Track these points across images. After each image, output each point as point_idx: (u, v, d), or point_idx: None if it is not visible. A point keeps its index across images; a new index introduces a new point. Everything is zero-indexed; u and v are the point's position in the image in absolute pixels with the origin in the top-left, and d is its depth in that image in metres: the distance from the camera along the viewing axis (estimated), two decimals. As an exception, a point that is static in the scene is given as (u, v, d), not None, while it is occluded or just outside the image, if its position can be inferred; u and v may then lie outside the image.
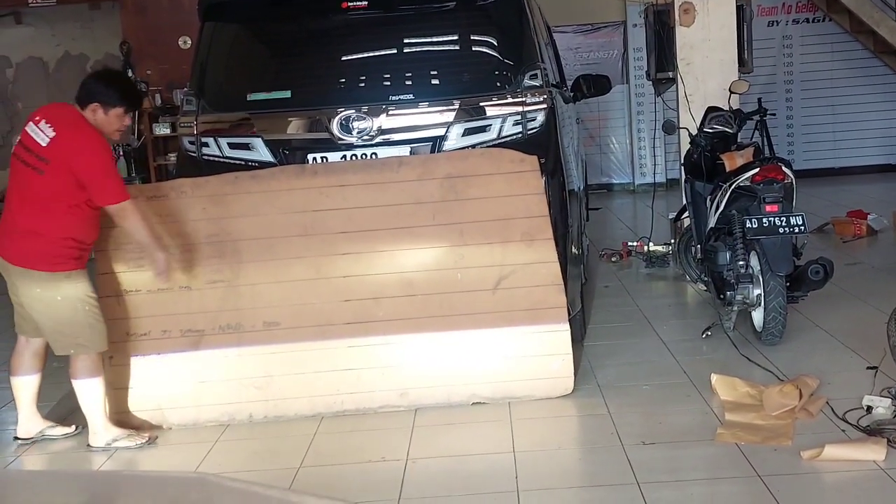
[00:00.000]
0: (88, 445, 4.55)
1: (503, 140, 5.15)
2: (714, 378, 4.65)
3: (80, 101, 4.50)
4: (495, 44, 5.55)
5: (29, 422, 4.69)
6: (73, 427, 4.76)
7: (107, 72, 4.89)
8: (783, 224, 5.15)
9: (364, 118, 5.19)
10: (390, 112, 5.23)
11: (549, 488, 3.84)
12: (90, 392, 4.53)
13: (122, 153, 11.04)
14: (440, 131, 5.19)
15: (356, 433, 4.58)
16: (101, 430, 4.54)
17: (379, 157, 5.17)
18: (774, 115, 7.63)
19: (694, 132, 6.45)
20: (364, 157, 5.20)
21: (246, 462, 4.41)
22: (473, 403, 4.75)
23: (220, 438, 4.62)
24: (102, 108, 4.47)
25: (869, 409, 4.20)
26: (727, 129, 6.16)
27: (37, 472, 4.13)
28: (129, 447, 4.52)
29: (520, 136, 5.18)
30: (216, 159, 5.29)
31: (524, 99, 5.22)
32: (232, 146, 5.31)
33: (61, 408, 5.06)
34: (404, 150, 5.20)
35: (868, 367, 4.75)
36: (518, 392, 4.75)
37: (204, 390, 4.79)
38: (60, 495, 1.85)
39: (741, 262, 5.32)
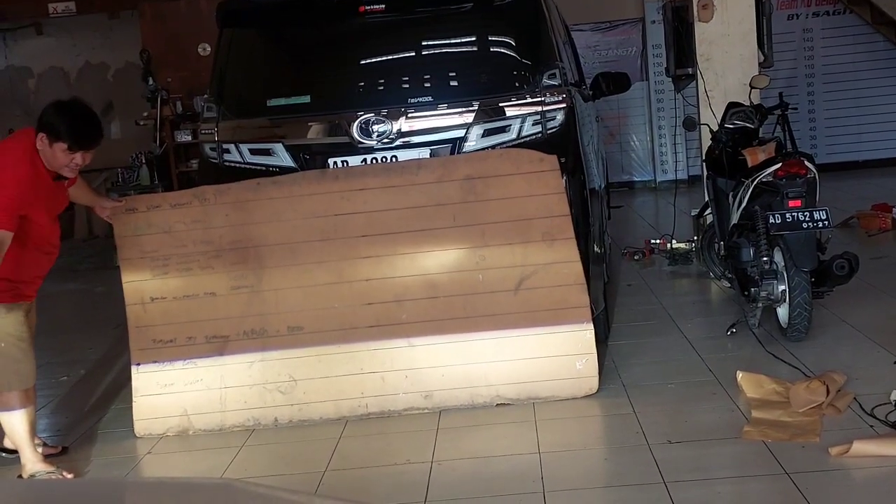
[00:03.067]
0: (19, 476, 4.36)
1: (523, 140, 5.14)
2: (740, 375, 4.63)
3: (37, 128, 4.23)
4: (513, 44, 5.55)
5: None
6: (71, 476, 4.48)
7: (69, 102, 4.31)
8: (807, 219, 5.11)
9: (383, 121, 5.20)
10: (409, 115, 5.23)
11: (575, 489, 3.83)
12: (15, 424, 4.35)
13: (144, 161, 11.13)
14: (460, 133, 5.19)
15: (381, 436, 4.59)
16: (27, 462, 4.36)
17: (399, 160, 5.18)
18: (796, 109, 7.58)
19: (715, 128, 6.42)
20: (384, 160, 5.20)
21: (271, 466, 4.43)
22: (498, 405, 4.75)
23: (245, 443, 4.65)
24: (48, 139, 4.17)
25: (897, 404, 4.17)
26: (748, 125, 6.13)
27: (61, 481, 4.14)
28: None
29: (539, 135, 5.16)
30: (238, 165, 5.31)
31: (543, 98, 5.21)
32: (253, 152, 5.32)
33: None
34: (424, 153, 5.20)
35: (895, 362, 4.71)
36: (542, 393, 4.74)
37: (229, 395, 4.82)
38: (85, 503, 1.86)
39: (765, 259, 5.28)
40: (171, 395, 4.83)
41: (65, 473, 4.36)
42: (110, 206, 4.94)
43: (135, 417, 4.85)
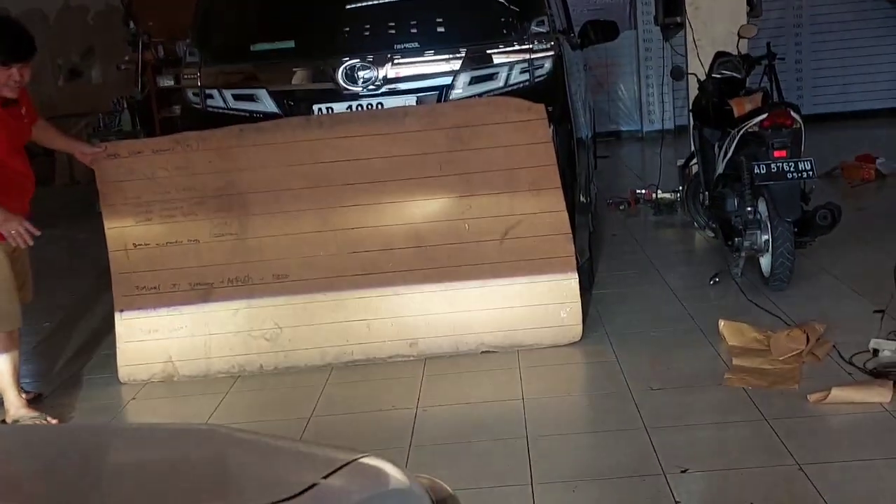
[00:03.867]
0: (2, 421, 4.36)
1: (510, 88, 5.11)
2: (722, 324, 4.67)
3: None
4: (501, -10, 5.49)
5: None
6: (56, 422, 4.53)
7: None
8: (791, 169, 5.12)
9: (369, 67, 5.15)
10: (396, 61, 5.19)
11: (559, 434, 3.87)
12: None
13: (126, 106, 11.01)
14: (447, 80, 5.15)
15: (366, 383, 4.61)
16: (11, 407, 4.38)
17: (385, 107, 5.14)
18: (783, 59, 7.53)
19: (702, 78, 6.39)
20: (370, 107, 5.17)
21: (257, 413, 4.46)
22: (482, 352, 4.78)
23: (230, 390, 4.67)
24: None
25: (875, 352, 4.22)
26: (735, 75, 6.10)
27: (46, 427, 4.15)
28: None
29: (527, 84, 5.13)
30: (221, 111, 5.27)
31: (531, 46, 5.17)
32: (236, 98, 5.28)
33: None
34: (410, 100, 5.16)
35: (875, 311, 4.75)
36: (526, 340, 4.77)
37: (214, 342, 4.83)
38: (70, 447, 1.87)
39: (749, 209, 5.30)
40: (155, 341, 4.84)
41: (49, 419, 4.37)
42: (90, 151, 4.90)
43: (119, 364, 4.85)
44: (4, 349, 4.36)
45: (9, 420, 4.34)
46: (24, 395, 4.53)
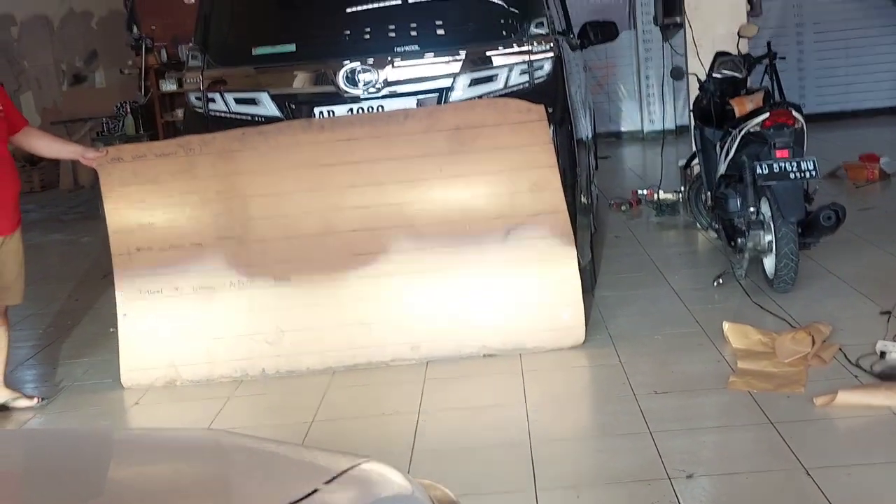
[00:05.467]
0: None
1: (510, 90, 5.10)
2: (726, 326, 4.65)
3: None
4: (501, -8, 5.48)
5: None
6: (36, 399, 4.70)
7: None
8: (794, 169, 5.10)
9: (370, 70, 5.14)
10: (396, 63, 5.18)
11: (562, 439, 3.85)
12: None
13: (129, 110, 11.03)
14: (447, 82, 5.14)
15: (368, 387, 4.60)
16: None
17: (385, 109, 5.13)
18: (784, 58, 7.51)
19: (703, 78, 6.38)
20: (371, 109, 5.16)
21: (259, 417, 4.45)
22: (484, 356, 4.77)
23: (233, 394, 4.66)
24: None
25: (882, 354, 4.19)
26: (736, 74, 6.09)
27: (45, 429, 4.16)
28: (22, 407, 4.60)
29: (527, 85, 5.12)
30: (223, 115, 5.26)
31: (530, 48, 5.16)
32: (238, 101, 5.27)
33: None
34: (411, 102, 5.15)
35: (881, 313, 4.74)
36: (529, 343, 4.75)
37: (216, 346, 4.82)
38: (70, 452, 1.86)
39: (752, 209, 5.28)
40: (158, 345, 4.83)
41: (27, 396, 4.57)
42: (93, 155, 4.90)
43: (121, 368, 4.85)
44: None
45: None
46: (23, 400, 4.62)
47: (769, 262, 5.34)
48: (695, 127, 6.54)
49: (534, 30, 5.20)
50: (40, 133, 4.84)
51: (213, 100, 5.29)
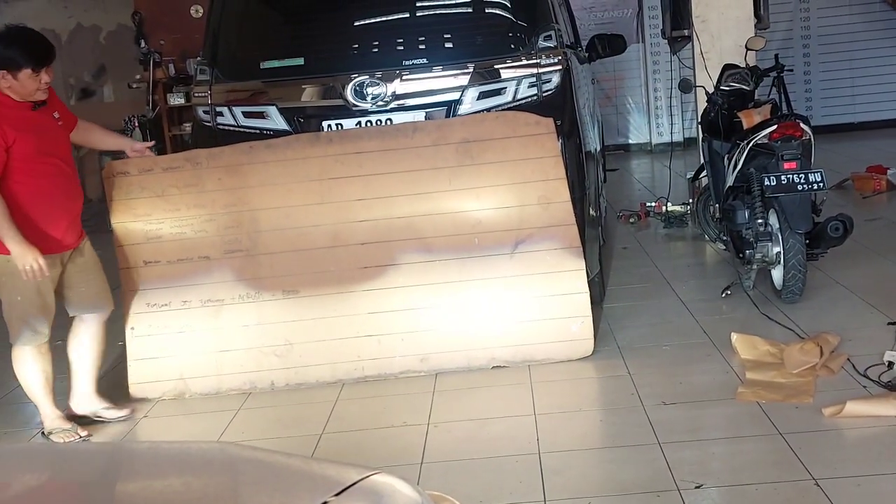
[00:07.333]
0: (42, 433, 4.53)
1: (518, 103, 5.11)
2: (734, 337, 4.65)
3: None
4: (509, 5, 5.50)
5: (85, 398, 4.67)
6: (127, 410, 4.71)
7: (6, 31, 4.30)
8: (802, 181, 5.11)
9: (378, 84, 5.16)
10: (404, 77, 5.20)
11: (571, 450, 3.85)
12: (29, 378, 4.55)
13: (137, 124, 11.06)
14: (455, 95, 5.16)
15: (378, 399, 4.60)
16: (46, 419, 4.54)
17: (394, 122, 5.15)
18: (792, 70, 7.54)
19: (710, 90, 6.39)
20: (379, 123, 5.18)
21: (268, 430, 4.45)
22: (493, 367, 4.77)
23: (242, 407, 4.66)
24: (10, 74, 4.18)
25: (891, 364, 4.18)
26: (744, 87, 6.10)
27: (58, 445, 4.17)
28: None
29: (535, 98, 5.14)
30: (231, 129, 5.28)
31: (539, 61, 5.17)
32: (247, 115, 5.29)
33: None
34: (419, 115, 5.17)
35: (889, 323, 4.73)
36: (538, 355, 4.75)
37: (225, 359, 4.82)
38: (81, 467, 1.87)
39: (760, 221, 5.28)
40: (166, 358, 4.84)
41: (80, 431, 4.47)
42: (140, 147, 4.95)
43: (130, 381, 4.86)
44: (34, 362, 4.43)
45: (46, 431, 4.46)
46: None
47: (777, 273, 5.34)
48: (703, 139, 6.54)
49: (542, 43, 5.22)
50: (91, 125, 4.80)
51: (221, 113, 5.31)
